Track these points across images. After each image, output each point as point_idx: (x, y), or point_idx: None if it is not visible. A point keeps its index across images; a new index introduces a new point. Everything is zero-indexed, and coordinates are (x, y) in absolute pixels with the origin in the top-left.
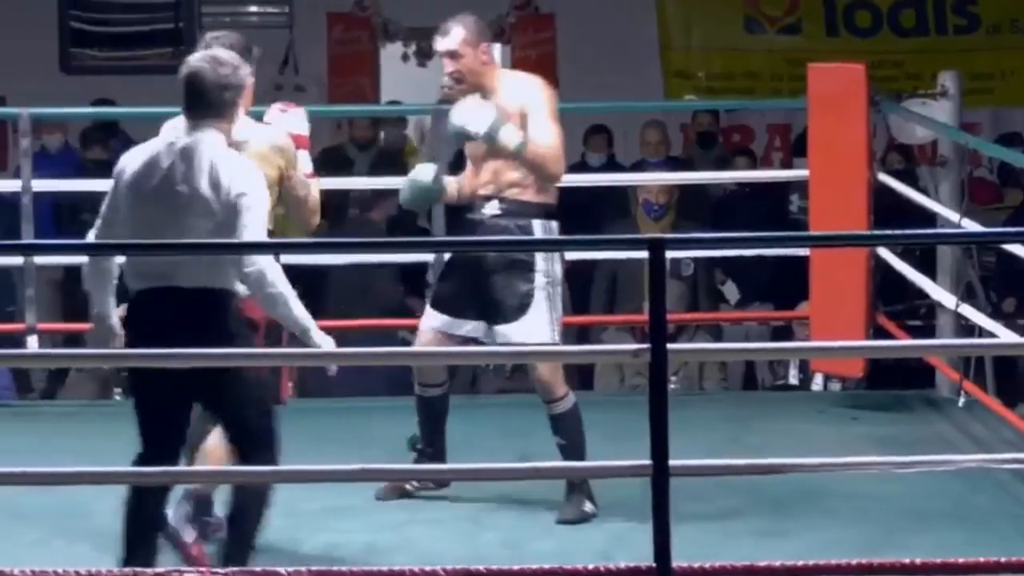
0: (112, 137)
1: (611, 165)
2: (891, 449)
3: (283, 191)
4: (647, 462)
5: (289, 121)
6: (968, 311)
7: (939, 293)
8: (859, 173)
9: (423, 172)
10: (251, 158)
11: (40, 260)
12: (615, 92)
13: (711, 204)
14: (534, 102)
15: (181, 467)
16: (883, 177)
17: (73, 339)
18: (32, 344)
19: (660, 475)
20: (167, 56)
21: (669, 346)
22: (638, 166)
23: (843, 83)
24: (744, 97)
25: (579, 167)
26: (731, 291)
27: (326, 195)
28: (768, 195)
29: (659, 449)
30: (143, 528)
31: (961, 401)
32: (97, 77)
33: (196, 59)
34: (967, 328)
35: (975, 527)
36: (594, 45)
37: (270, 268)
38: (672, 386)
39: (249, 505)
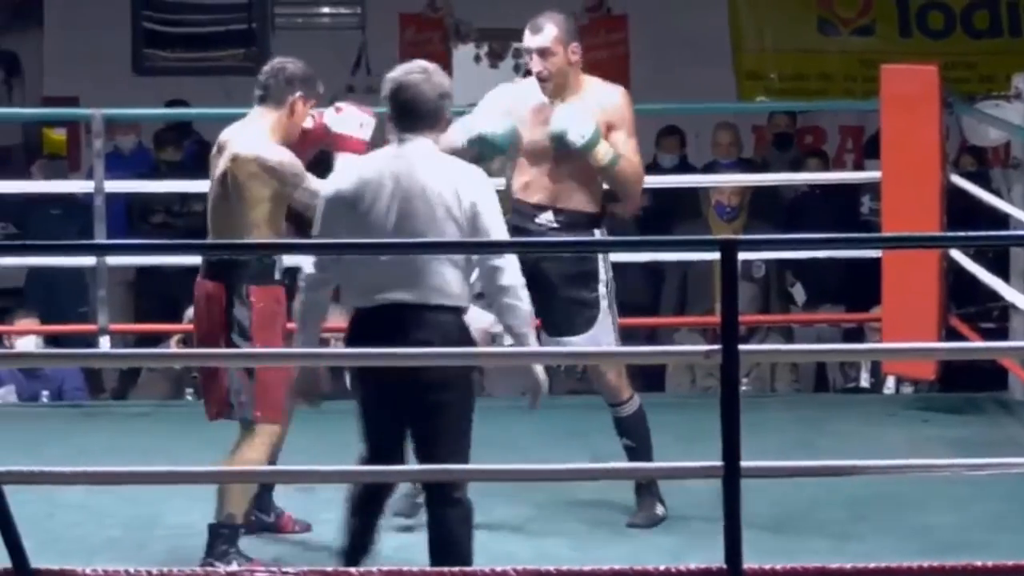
0: (185, 138)
1: (683, 166)
2: (963, 451)
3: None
4: (719, 463)
5: (339, 121)
6: None
7: (1012, 295)
8: (932, 175)
9: (501, 124)
10: (242, 168)
11: (112, 261)
12: (687, 93)
13: (783, 206)
14: (620, 115)
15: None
16: (956, 179)
17: (145, 339)
18: (104, 344)
19: (732, 476)
20: (239, 57)
21: (741, 347)
22: (710, 167)
23: (916, 85)
24: (817, 98)
25: (651, 168)
26: (799, 293)
27: None
28: (840, 197)
29: (731, 450)
30: (365, 525)
31: None
32: (169, 78)
33: (406, 72)
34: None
35: None
36: (666, 46)
37: (511, 262)
38: (743, 388)
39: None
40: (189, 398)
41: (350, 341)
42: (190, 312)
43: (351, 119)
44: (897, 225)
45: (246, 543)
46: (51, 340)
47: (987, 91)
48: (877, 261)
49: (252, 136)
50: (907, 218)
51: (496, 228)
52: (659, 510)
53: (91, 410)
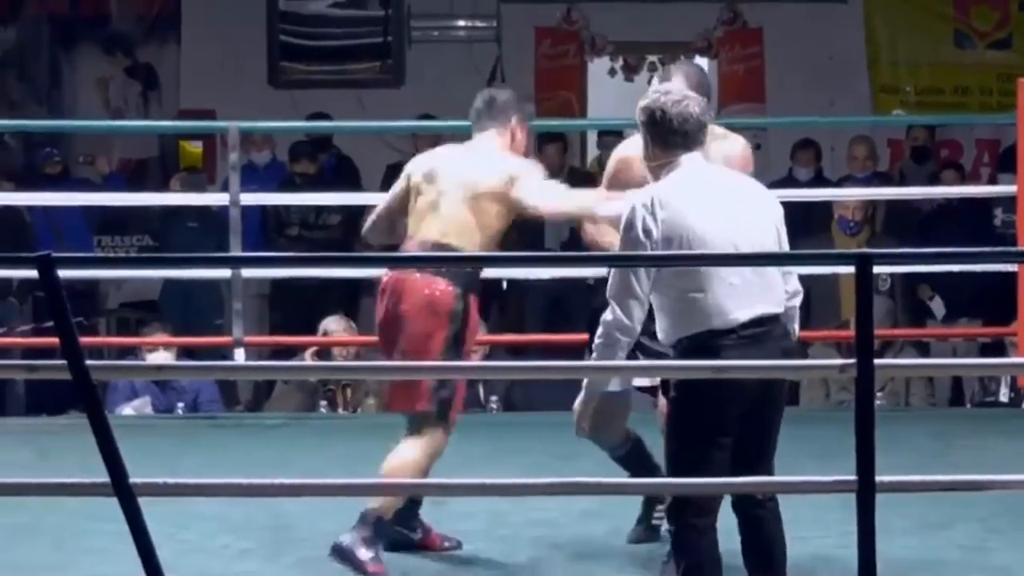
0: (322, 151)
1: (818, 179)
2: None
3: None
4: (853, 478)
5: None
6: None
7: None
8: None
9: None
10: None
11: (247, 273)
12: (822, 106)
13: (918, 219)
14: (742, 165)
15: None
16: None
17: (279, 352)
18: (239, 357)
19: (866, 491)
20: (376, 70)
21: (876, 361)
22: (844, 181)
23: None
24: (953, 112)
25: (787, 181)
26: (938, 307)
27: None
28: (975, 210)
29: (865, 465)
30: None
31: None
32: (305, 91)
33: (679, 97)
34: None
35: None
36: (802, 59)
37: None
38: (878, 402)
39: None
40: (323, 410)
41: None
42: (325, 323)
43: None
44: None
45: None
46: (187, 352)
47: None
48: (1014, 275)
49: (489, 155)
50: None
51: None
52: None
53: (225, 422)
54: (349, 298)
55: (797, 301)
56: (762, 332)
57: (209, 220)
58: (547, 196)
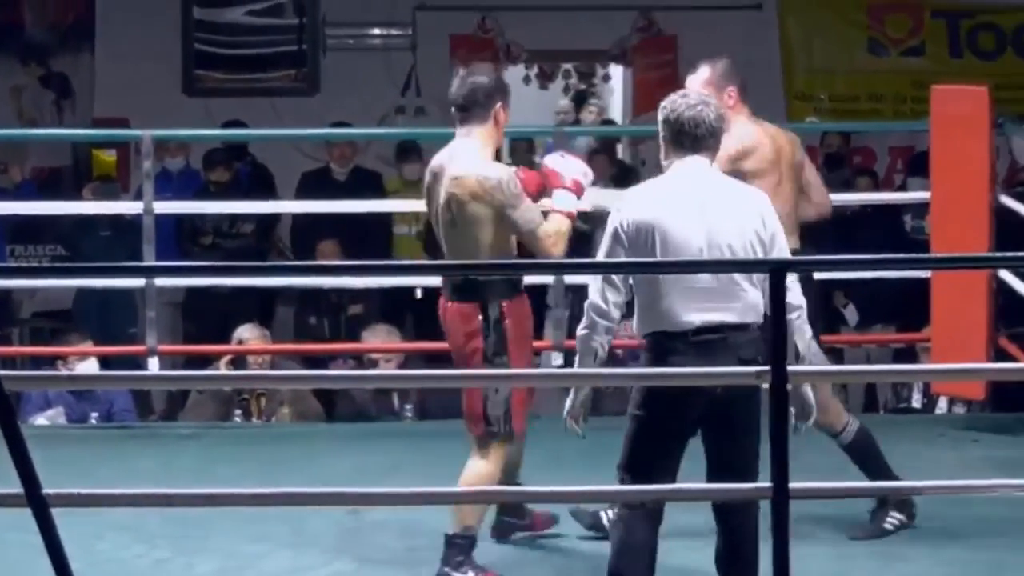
0: (237, 159)
1: None
2: (1013, 472)
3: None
4: (768, 485)
5: (557, 161)
6: None
7: None
8: (981, 195)
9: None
10: (463, 190)
11: (161, 282)
12: None
13: (832, 226)
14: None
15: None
16: (1005, 199)
17: (194, 361)
18: (153, 366)
19: (780, 498)
20: (290, 78)
21: (790, 368)
22: None
23: (966, 105)
24: (867, 119)
25: None
26: (851, 314)
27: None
28: (889, 216)
29: (780, 472)
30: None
31: None
32: (220, 100)
33: (696, 101)
34: None
35: None
36: None
37: (794, 284)
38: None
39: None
40: (238, 419)
41: (658, 363)
42: (239, 332)
43: (576, 164)
44: (946, 245)
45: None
46: (101, 362)
47: None
48: (927, 281)
49: (468, 157)
50: (956, 238)
51: (787, 251)
52: (888, 524)
53: (140, 432)
54: (263, 306)
55: (795, 315)
56: (716, 339)
57: (122, 229)
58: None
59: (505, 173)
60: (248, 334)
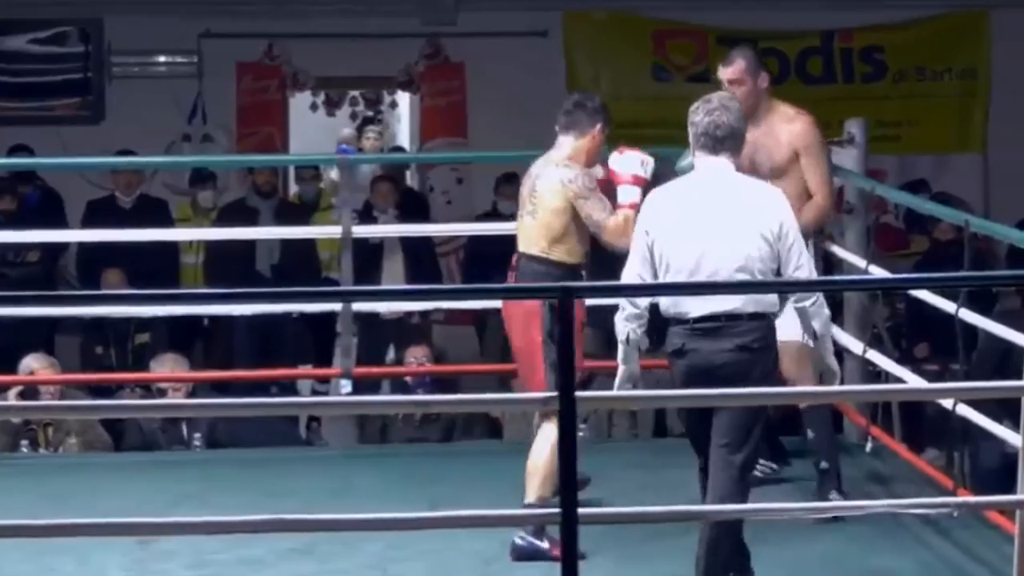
0: (25, 185)
1: None
2: (801, 495)
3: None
4: (557, 510)
5: (616, 160)
6: (875, 357)
7: (846, 339)
8: None
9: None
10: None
11: None
12: (526, 140)
13: (618, 251)
14: (804, 141)
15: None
16: None
17: None
18: None
19: (569, 522)
20: (76, 106)
21: (578, 394)
22: None
23: None
24: (653, 145)
25: (492, 215)
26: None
27: (231, 246)
28: None
29: (568, 497)
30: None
31: (868, 447)
32: (5, 128)
33: (716, 105)
34: (874, 374)
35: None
36: (504, 93)
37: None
38: (581, 434)
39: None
40: (25, 450)
41: (667, 345)
42: (27, 362)
43: (633, 159)
44: None
45: None
46: None
47: None
48: None
49: (557, 157)
50: None
51: (800, 245)
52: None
53: None
54: (47, 335)
55: (807, 302)
56: (716, 327)
57: None
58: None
59: (580, 170)
60: (37, 364)
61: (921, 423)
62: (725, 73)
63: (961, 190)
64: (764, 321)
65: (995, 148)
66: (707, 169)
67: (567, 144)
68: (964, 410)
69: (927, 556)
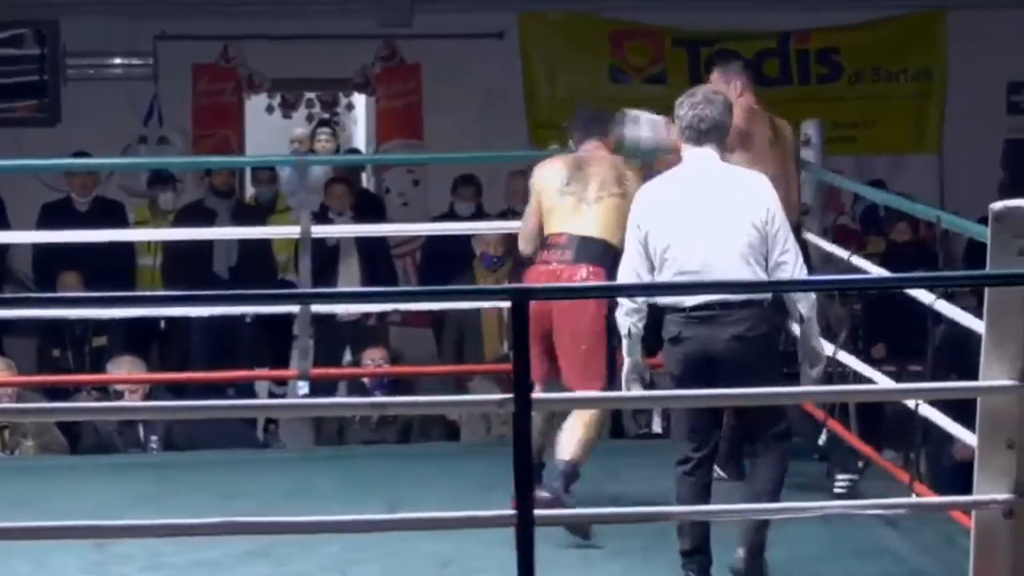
0: None
1: (480, 215)
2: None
3: None
4: (512, 512)
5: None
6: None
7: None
8: None
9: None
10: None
11: None
12: (482, 142)
13: None
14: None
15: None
16: None
17: None
18: None
19: (525, 524)
20: (32, 108)
21: (533, 396)
22: (505, 215)
23: None
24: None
25: (449, 216)
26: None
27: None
28: None
29: (524, 499)
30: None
31: (822, 439)
32: None
33: (700, 99)
34: (831, 375)
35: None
36: (460, 95)
37: (796, 257)
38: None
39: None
40: None
41: (664, 333)
42: None
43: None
44: None
45: None
46: None
47: None
48: None
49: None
50: None
51: (785, 230)
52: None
53: None
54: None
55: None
56: (711, 315)
57: None
58: None
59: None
60: None
61: (878, 423)
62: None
63: (917, 190)
64: (756, 309)
65: (950, 148)
66: (693, 160)
67: (596, 148)
68: (926, 410)
69: (885, 551)
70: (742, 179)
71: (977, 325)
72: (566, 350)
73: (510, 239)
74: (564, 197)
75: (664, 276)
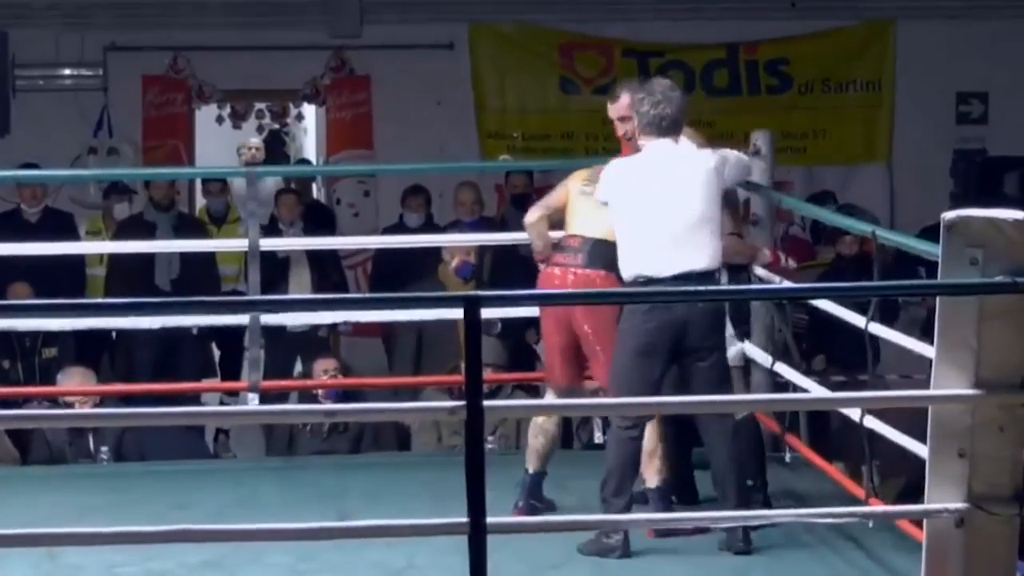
0: None
1: (429, 225)
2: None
3: None
4: (464, 520)
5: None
6: (782, 368)
7: (753, 350)
8: None
9: None
10: None
11: None
12: (432, 152)
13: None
14: None
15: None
16: None
17: None
18: None
19: (477, 533)
20: None
21: (485, 403)
22: (453, 226)
23: None
24: (560, 156)
25: (398, 228)
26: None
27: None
28: None
29: (476, 507)
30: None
31: (788, 457)
32: None
33: (660, 99)
34: (781, 385)
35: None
36: (410, 106)
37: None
38: (489, 445)
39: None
40: None
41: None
42: None
43: None
44: None
45: None
46: None
47: None
48: None
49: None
50: None
51: (724, 154)
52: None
53: None
54: None
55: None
56: (687, 284)
57: None
58: None
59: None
60: None
61: (827, 436)
62: (612, 111)
63: (867, 200)
64: (713, 276)
65: (900, 159)
66: (653, 148)
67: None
68: (872, 422)
69: (839, 563)
70: (691, 154)
71: (907, 342)
72: (592, 351)
73: (476, 249)
74: (582, 197)
75: (636, 245)
